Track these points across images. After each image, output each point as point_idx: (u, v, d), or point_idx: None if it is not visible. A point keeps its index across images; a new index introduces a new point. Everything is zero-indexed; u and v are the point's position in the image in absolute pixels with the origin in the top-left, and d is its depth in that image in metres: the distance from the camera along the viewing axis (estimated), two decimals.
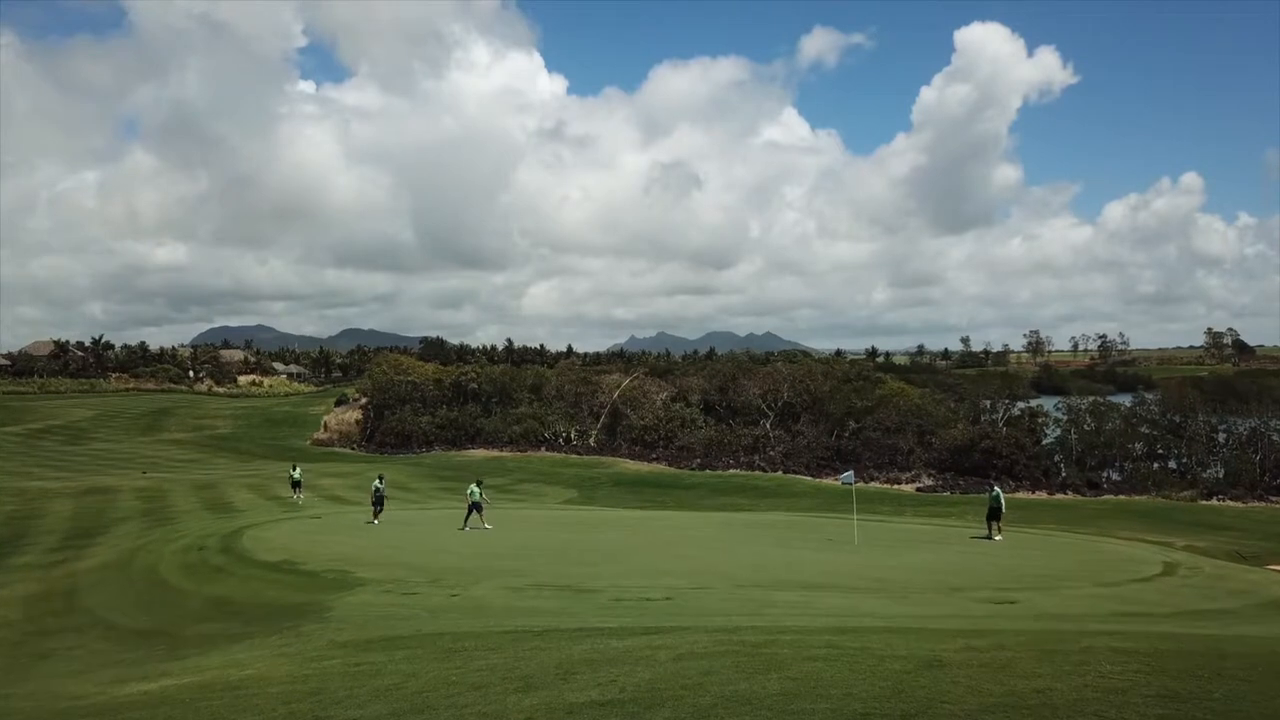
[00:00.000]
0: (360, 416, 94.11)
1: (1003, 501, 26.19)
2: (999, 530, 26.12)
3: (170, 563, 25.20)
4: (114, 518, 37.50)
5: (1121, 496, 45.56)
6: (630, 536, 26.31)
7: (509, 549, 24.40)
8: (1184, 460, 55.49)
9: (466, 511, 29.34)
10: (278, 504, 40.22)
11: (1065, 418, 59.18)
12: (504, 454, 67.51)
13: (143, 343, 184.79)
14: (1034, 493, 47.55)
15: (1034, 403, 65.54)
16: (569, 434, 72.54)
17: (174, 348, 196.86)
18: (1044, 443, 58.87)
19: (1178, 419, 57.17)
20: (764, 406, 70.35)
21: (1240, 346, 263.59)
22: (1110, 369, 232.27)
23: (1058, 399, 64.03)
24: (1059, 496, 46.20)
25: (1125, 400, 63.68)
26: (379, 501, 30.92)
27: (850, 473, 25.79)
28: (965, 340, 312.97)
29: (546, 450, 67.90)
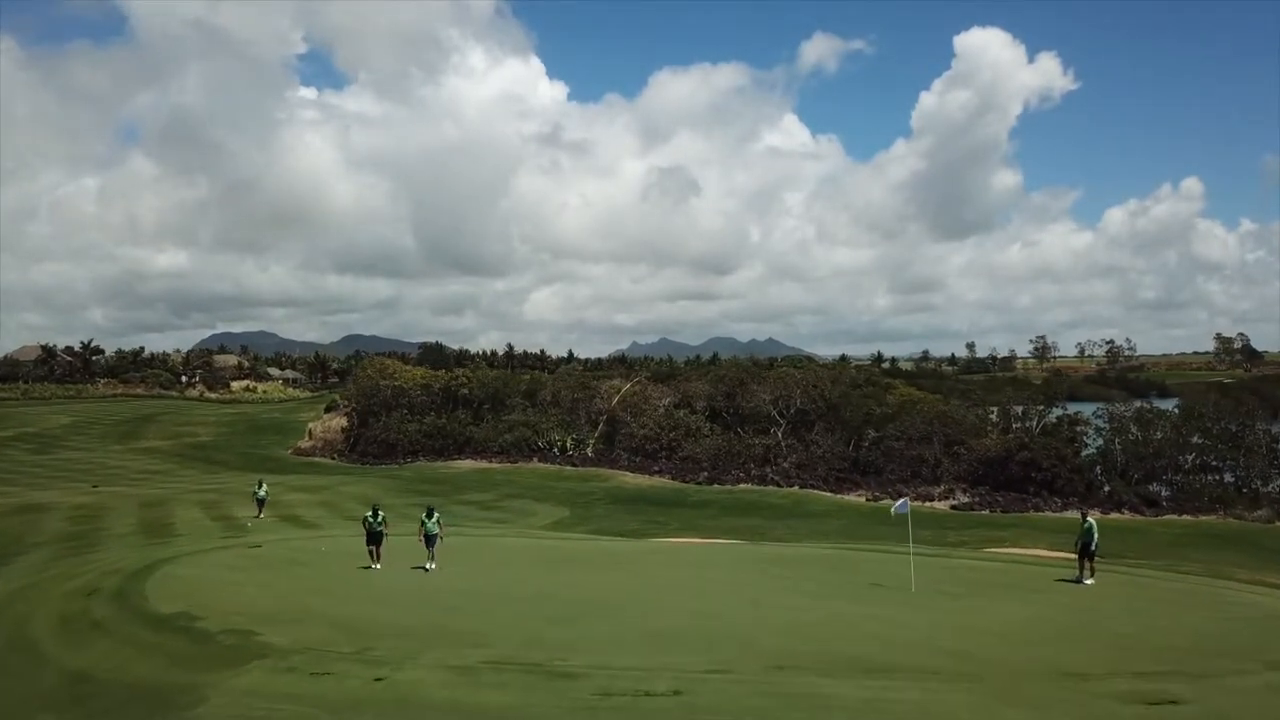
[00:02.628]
0: (346, 424, 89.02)
1: (1096, 535, 20.85)
2: (1091, 571, 20.81)
3: (48, 614, 19.98)
4: (31, 543, 32.29)
5: (1186, 516, 40.26)
6: (626, 579, 21.05)
7: (471, 597, 19.17)
8: (1241, 473, 50.11)
9: (426, 546, 23.70)
10: (223, 526, 35.01)
11: (1107, 426, 53.77)
12: (493, 465, 62.20)
13: (141, 348, 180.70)
14: None
15: (1071, 409, 60.08)
16: (564, 443, 67.27)
17: (164, 353, 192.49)
18: (1083, 453, 53.51)
19: (1233, 427, 51.77)
20: (775, 414, 65.07)
21: (1249, 352, 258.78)
22: (1121, 374, 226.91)
23: (1097, 405, 58.57)
24: (1115, 516, 40.84)
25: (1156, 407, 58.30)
26: (375, 539, 23.88)
27: (904, 500, 20.51)
28: (970, 346, 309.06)
29: (539, 461, 62.58)
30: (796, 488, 48.63)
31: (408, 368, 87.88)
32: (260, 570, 23.45)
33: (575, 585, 20.25)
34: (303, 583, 21.57)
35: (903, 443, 56.86)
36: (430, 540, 23.48)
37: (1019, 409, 60.59)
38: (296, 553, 26.49)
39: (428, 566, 23.17)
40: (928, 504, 44.19)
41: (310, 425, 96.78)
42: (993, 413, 64.97)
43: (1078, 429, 55.62)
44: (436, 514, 24.20)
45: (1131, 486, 49.00)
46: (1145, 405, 56.43)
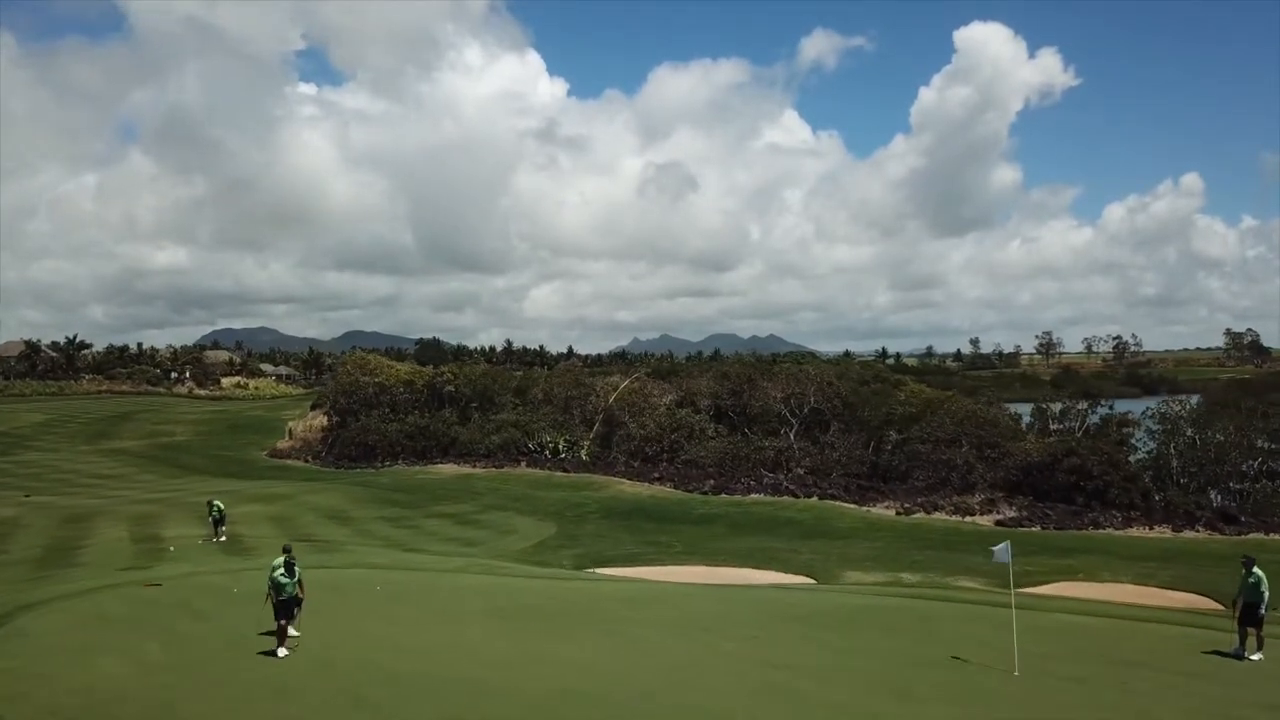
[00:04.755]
0: (327, 424, 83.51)
1: (1268, 590, 15.21)
2: (1259, 642, 15.22)
3: None
4: None
5: (1275, 536, 34.58)
6: (611, 651, 15.42)
7: (387, 685, 13.55)
8: None
9: (284, 605, 15.86)
10: (139, 551, 29.42)
11: (1159, 427, 48.09)
12: (476, 470, 56.57)
13: (139, 343, 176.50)
14: (1150, 529, 36.59)
15: (1119, 408, 54.37)
16: (557, 445, 61.68)
17: (154, 349, 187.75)
18: (1133, 458, 47.86)
19: None
20: (786, 413, 59.47)
21: (1256, 348, 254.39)
22: (1132, 371, 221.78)
23: (1148, 404, 52.84)
24: (1188, 534, 35.25)
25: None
26: (287, 609, 15.61)
27: (1005, 545, 14.80)
28: (975, 342, 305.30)
29: (528, 466, 56.98)
30: (815, 498, 42.99)
31: (391, 363, 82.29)
32: (135, 626, 17.90)
33: (538, 662, 14.64)
34: (178, 651, 15.98)
35: (929, 446, 51.24)
36: (289, 601, 15.77)
37: (1057, 408, 55.02)
38: (200, 595, 20.90)
39: (290, 634, 15.95)
40: (968, 519, 38.59)
41: (290, 424, 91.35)
42: (1020, 414, 59.47)
43: (1126, 430, 50.00)
44: (296, 565, 16.14)
45: (1190, 496, 43.45)
46: (1204, 404, 50.75)
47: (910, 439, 53.71)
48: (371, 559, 25.92)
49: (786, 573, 27.27)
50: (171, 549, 29.45)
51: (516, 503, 43.48)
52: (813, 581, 25.22)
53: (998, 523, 37.56)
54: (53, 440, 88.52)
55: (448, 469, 57.83)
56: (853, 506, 41.11)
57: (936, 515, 39.25)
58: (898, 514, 39.68)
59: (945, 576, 25.05)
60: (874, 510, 40.42)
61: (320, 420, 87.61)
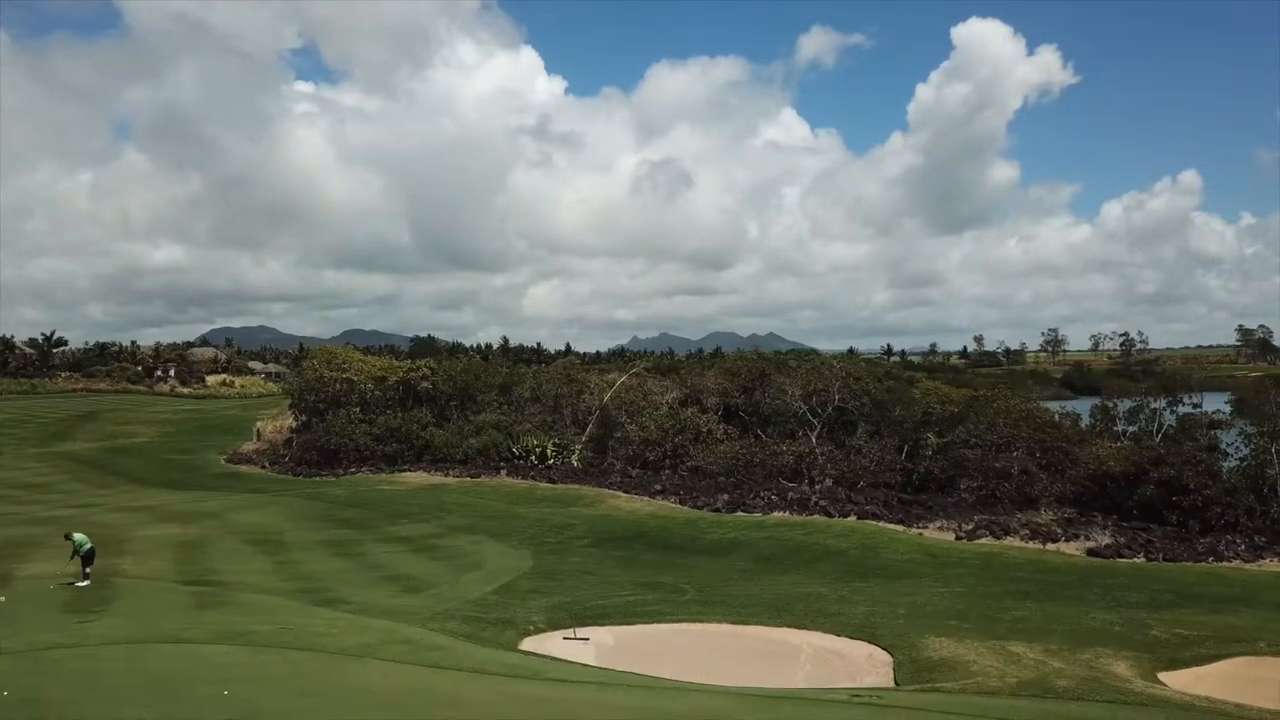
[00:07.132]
0: (294, 425, 75.92)
1: None
2: None
3: None
4: None
5: None
6: None
7: None
8: None
9: None
10: None
11: (1257, 429, 40.57)
12: (448, 479, 48.83)
13: (133, 341, 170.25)
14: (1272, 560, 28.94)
15: (1201, 407, 46.69)
16: (544, 450, 54.03)
17: (135, 346, 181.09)
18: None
19: None
20: (807, 413, 51.88)
21: (1265, 345, 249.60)
22: (1146, 368, 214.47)
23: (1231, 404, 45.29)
24: None
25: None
26: None
27: None
28: (979, 339, 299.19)
29: (508, 475, 49.26)
30: (853, 518, 35.29)
31: (363, 357, 74.50)
32: None
33: None
34: None
35: (979, 451, 43.66)
36: None
37: (1126, 406, 47.40)
38: None
39: None
40: (1049, 545, 30.88)
41: (258, 425, 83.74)
42: (1077, 413, 51.84)
43: (1214, 433, 42.38)
44: None
45: None
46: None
47: (954, 443, 46.23)
48: (255, 623, 18.21)
49: (842, 635, 19.63)
50: (2, 599, 21.77)
51: (489, 522, 35.78)
52: (888, 660, 17.54)
53: (1090, 551, 29.83)
54: (1, 443, 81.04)
55: (416, 478, 50.13)
56: (899, 529, 33.37)
57: (1008, 541, 31.55)
58: (957, 538, 32.00)
59: (1077, 650, 17.42)
60: (927, 534, 32.70)
61: (289, 421, 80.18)
